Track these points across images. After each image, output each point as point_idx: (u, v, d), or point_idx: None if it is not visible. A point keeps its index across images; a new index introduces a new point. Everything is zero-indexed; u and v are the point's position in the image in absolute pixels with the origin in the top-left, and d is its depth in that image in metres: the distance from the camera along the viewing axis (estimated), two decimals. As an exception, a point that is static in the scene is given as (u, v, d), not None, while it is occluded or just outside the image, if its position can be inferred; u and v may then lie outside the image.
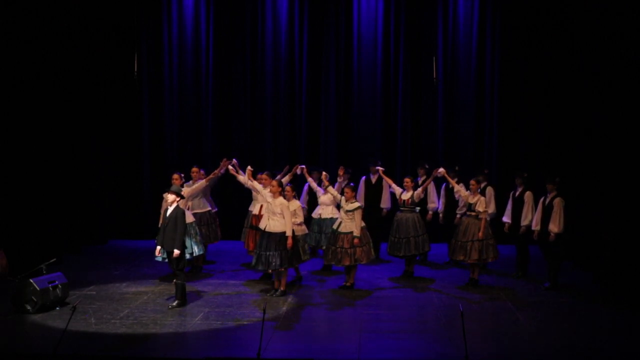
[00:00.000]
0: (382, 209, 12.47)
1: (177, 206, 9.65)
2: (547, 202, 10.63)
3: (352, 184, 10.80)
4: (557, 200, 10.52)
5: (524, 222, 11.03)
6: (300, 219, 10.48)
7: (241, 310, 9.49)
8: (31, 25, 12.06)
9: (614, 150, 11.06)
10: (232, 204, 13.79)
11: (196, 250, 11.01)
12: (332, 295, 10.35)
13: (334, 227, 10.60)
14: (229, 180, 12.18)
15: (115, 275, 11.45)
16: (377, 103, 14.37)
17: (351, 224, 10.38)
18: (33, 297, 9.18)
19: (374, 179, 12.52)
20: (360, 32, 14.29)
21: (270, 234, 10.02)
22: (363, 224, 10.45)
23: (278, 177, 11.04)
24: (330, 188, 10.98)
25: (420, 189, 11.43)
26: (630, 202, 10.49)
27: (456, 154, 14.14)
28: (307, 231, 10.98)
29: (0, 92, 11.67)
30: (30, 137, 12.05)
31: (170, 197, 9.68)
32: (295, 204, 10.49)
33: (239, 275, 11.53)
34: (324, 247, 11.23)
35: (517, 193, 11.27)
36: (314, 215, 11.95)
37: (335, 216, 11.33)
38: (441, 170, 11.42)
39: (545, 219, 10.57)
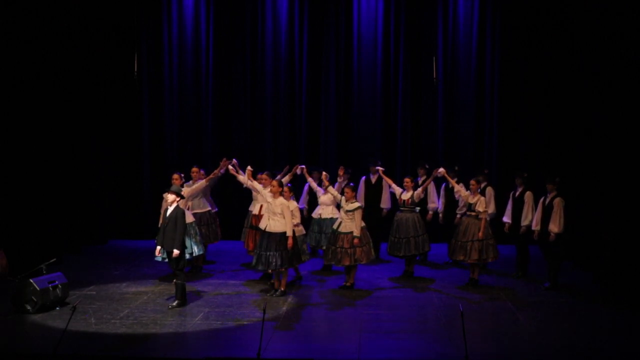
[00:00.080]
0: (382, 209, 12.47)
1: (177, 206, 9.65)
2: (547, 202, 10.63)
3: (352, 184, 10.80)
4: (557, 200, 10.52)
5: (524, 222, 11.03)
6: (297, 219, 10.47)
7: (241, 310, 9.49)
8: (31, 25, 12.06)
9: (614, 150, 11.06)
10: (232, 204, 13.79)
11: (196, 250, 11.01)
12: (332, 295, 10.35)
13: (334, 227, 10.60)
14: (229, 180, 12.19)
15: (115, 275, 11.45)
16: (377, 103, 14.37)
17: (351, 224, 10.38)
18: (33, 297, 9.18)
19: (373, 179, 12.52)
20: (360, 32, 14.29)
21: (270, 234, 10.02)
22: (363, 224, 10.45)
23: (278, 177, 11.03)
24: (330, 188, 10.98)
25: (420, 189, 11.43)
26: (630, 202, 10.49)
27: (456, 154, 14.14)
28: (304, 232, 10.97)
29: (0, 92, 11.67)
30: (31, 137, 12.05)
31: (170, 197, 9.68)
32: (293, 205, 10.49)
33: (239, 275, 11.53)
34: (324, 247, 11.23)
35: (517, 193, 11.27)
36: (314, 215, 11.95)
37: (335, 216, 11.33)
38: (441, 170, 11.42)
39: (545, 219, 10.57)
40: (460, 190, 11.26)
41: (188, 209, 11.11)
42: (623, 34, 10.95)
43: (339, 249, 10.42)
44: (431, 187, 12.05)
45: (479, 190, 10.93)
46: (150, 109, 14.55)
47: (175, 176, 10.96)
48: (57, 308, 9.38)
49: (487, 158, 14.13)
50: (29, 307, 9.18)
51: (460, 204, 11.72)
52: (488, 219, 10.92)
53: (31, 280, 9.20)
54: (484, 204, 10.73)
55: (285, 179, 11.21)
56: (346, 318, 9.30)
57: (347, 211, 10.41)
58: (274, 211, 10.04)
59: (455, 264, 12.01)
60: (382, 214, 12.50)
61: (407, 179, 11.47)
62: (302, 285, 10.86)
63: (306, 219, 12.28)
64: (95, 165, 14.01)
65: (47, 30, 12.40)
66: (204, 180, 11.50)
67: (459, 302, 9.21)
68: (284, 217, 9.99)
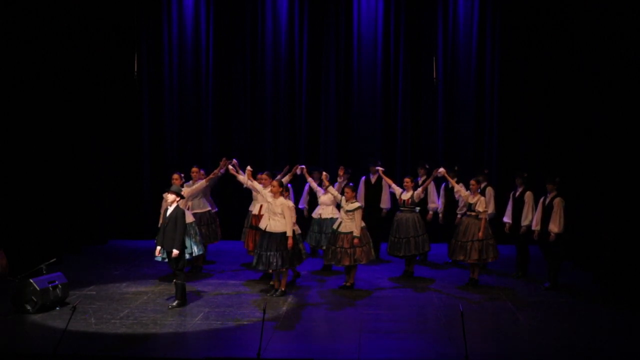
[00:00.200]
0: (382, 209, 12.47)
1: (177, 206, 9.65)
2: (547, 202, 10.63)
3: (351, 184, 10.79)
4: (557, 200, 10.52)
5: (524, 222, 11.03)
6: (292, 219, 10.44)
7: (241, 310, 9.49)
8: (31, 25, 12.06)
9: (614, 150, 11.06)
10: (232, 204, 13.79)
11: (196, 250, 11.01)
12: (332, 295, 10.35)
13: (334, 227, 10.60)
14: (229, 180, 12.19)
15: (115, 275, 11.45)
16: (377, 103, 14.37)
17: (351, 224, 10.38)
18: (33, 297, 9.18)
19: (373, 179, 12.52)
20: (360, 32, 14.29)
21: (270, 234, 10.01)
22: (363, 224, 10.45)
23: (278, 177, 11.03)
24: (330, 188, 10.98)
25: (420, 189, 11.43)
26: (630, 202, 10.49)
27: (456, 154, 14.14)
28: (300, 231, 10.93)
29: (0, 92, 11.67)
30: (31, 137, 12.05)
31: (170, 197, 9.68)
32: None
33: (239, 275, 11.53)
34: (324, 247, 11.23)
35: (517, 193, 11.27)
36: (314, 215, 11.95)
37: (335, 216, 11.34)
38: (441, 170, 11.42)
39: (545, 219, 10.57)
40: (460, 190, 11.26)
41: (188, 209, 11.11)
42: (623, 34, 10.95)
43: (339, 249, 10.42)
44: (431, 187, 12.05)
45: (479, 190, 10.93)
46: (150, 109, 14.55)
47: (175, 176, 10.96)
48: (57, 308, 9.38)
49: (487, 158, 14.13)
50: (29, 307, 9.18)
51: (460, 204, 11.72)
52: (487, 219, 10.92)
53: (31, 280, 9.20)
54: (484, 204, 10.73)
55: (285, 179, 11.21)
56: (346, 318, 9.30)
57: (347, 211, 10.41)
58: (274, 211, 10.03)
59: (455, 264, 12.01)
60: (382, 214, 12.50)
61: (407, 179, 11.47)
62: (302, 285, 10.86)
63: (306, 219, 12.30)
64: (95, 165, 14.01)
65: (47, 30, 12.40)
66: (204, 180, 11.50)
67: (459, 302, 9.21)
68: (284, 217, 9.98)
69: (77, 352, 7.77)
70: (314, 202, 12.20)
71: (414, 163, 13.60)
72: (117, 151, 14.45)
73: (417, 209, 11.40)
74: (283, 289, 10.21)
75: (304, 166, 11.76)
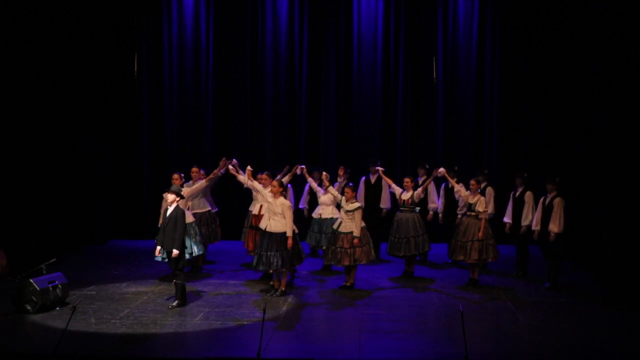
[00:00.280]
0: (381, 209, 12.47)
1: (177, 206, 9.65)
2: (547, 202, 10.63)
3: (351, 184, 10.79)
4: (557, 200, 10.52)
5: (524, 222, 11.03)
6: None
7: (241, 310, 9.49)
8: (31, 25, 12.06)
9: (614, 150, 11.06)
10: (232, 204, 13.79)
11: (196, 250, 11.01)
12: (332, 295, 10.35)
13: (334, 227, 10.60)
14: (229, 180, 12.18)
15: (115, 275, 11.45)
16: (377, 103, 14.37)
17: (351, 224, 10.38)
18: (33, 297, 9.17)
19: (373, 179, 12.51)
20: (360, 32, 14.29)
21: (271, 234, 10.01)
22: (363, 224, 10.45)
23: (278, 177, 11.03)
24: (330, 188, 10.97)
25: (420, 189, 11.43)
26: (630, 202, 10.49)
27: (456, 154, 14.14)
28: (297, 230, 10.85)
29: (1, 92, 11.67)
30: (31, 137, 12.05)
31: (170, 197, 9.68)
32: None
33: (239, 275, 11.53)
34: (324, 247, 11.23)
35: (517, 193, 11.27)
36: (314, 215, 11.96)
37: (335, 216, 11.34)
38: (441, 170, 11.42)
39: (545, 219, 10.57)
40: (460, 190, 11.26)
41: (188, 209, 11.11)
42: (623, 34, 10.95)
43: (338, 249, 10.41)
44: (431, 187, 12.05)
45: (479, 190, 10.93)
46: (150, 109, 14.55)
47: (175, 176, 10.96)
48: (57, 308, 9.38)
49: (487, 158, 14.13)
50: (29, 307, 9.18)
51: (460, 204, 11.72)
52: (487, 218, 10.92)
53: (31, 280, 9.20)
54: (484, 204, 10.72)
55: (285, 179, 11.21)
56: (346, 318, 9.30)
57: (347, 211, 10.41)
58: (275, 211, 10.03)
59: (455, 264, 12.01)
60: (382, 214, 12.50)
61: (407, 179, 11.47)
62: (302, 285, 10.85)
63: (306, 219, 12.30)
64: (95, 165, 14.01)
65: (47, 30, 12.40)
66: (204, 180, 11.50)
67: (459, 302, 9.21)
68: (284, 217, 9.98)
69: (77, 352, 7.77)
70: (314, 202, 12.20)
71: (414, 163, 13.60)
72: (117, 151, 14.45)
73: (417, 209, 11.40)
74: (283, 289, 10.21)
75: (304, 166, 11.76)
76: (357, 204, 10.43)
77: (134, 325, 8.80)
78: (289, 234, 9.95)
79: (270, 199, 10.13)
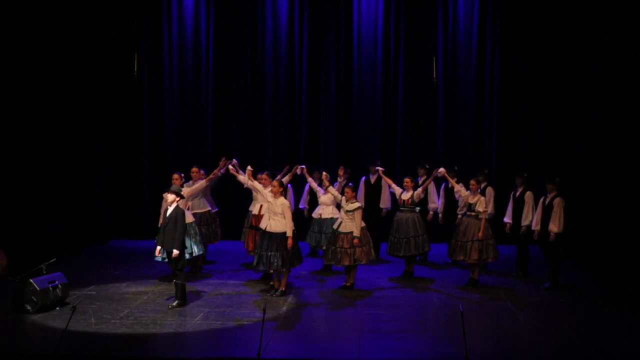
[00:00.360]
0: (381, 209, 12.47)
1: (177, 206, 9.65)
2: (547, 202, 10.63)
3: (351, 184, 10.79)
4: (557, 200, 10.52)
5: (525, 222, 11.03)
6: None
7: (241, 310, 9.49)
8: (31, 25, 12.06)
9: (614, 150, 11.06)
10: (232, 204, 13.78)
11: (196, 250, 11.01)
12: (332, 295, 10.35)
13: (334, 227, 10.60)
14: (229, 180, 12.18)
15: (115, 275, 11.45)
16: (377, 103, 14.37)
17: (351, 224, 10.38)
18: (33, 297, 9.17)
19: (373, 179, 12.51)
20: (360, 32, 14.29)
21: (271, 234, 10.01)
22: (363, 224, 10.45)
23: (278, 177, 11.03)
24: (330, 188, 10.97)
25: (420, 189, 11.43)
26: (630, 202, 10.49)
27: (456, 154, 14.15)
28: (295, 230, 10.84)
29: (1, 92, 11.67)
30: (31, 137, 12.05)
31: (170, 197, 9.68)
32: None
33: (239, 275, 11.53)
34: (324, 247, 11.23)
35: (518, 193, 11.27)
36: (314, 215, 11.96)
37: (335, 216, 11.34)
38: (441, 170, 11.42)
39: (545, 219, 10.57)
40: (460, 190, 11.26)
41: (188, 209, 11.11)
42: (623, 34, 10.95)
43: (338, 249, 10.41)
44: (431, 187, 12.05)
45: (479, 190, 10.93)
46: (150, 109, 14.55)
47: (175, 176, 10.96)
48: (57, 308, 9.37)
49: (487, 158, 14.13)
50: (29, 307, 9.18)
51: (461, 204, 11.72)
52: (487, 218, 10.91)
53: (31, 280, 9.20)
54: (484, 204, 10.72)
55: (285, 179, 11.21)
56: (346, 318, 9.30)
57: (347, 211, 10.41)
58: (275, 211, 10.03)
59: (455, 264, 12.01)
60: (382, 214, 12.50)
61: (407, 179, 11.47)
62: (302, 285, 10.85)
63: (306, 219, 12.30)
64: (95, 165, 14.01)
65: (47, 30, 12.40)
66: (204, 180, 11.50)
67: (459, 302, 9.21)
68: (285, 217, 9.98)
69: (77, 352, 7.77)
70: (314, 202, 12.20)
71: (414, 163, 13.60)
72: (117, 151, 14.45)
73: (417, 209, 11.40)
74: (283, 289, 10.21)
75: (304, 166, 11.76)
76: (357, 204, 10.43)
77: (134, 325, 8.80)
78: (289, 234, 9.95)
79: (270, 199, 10.13)
